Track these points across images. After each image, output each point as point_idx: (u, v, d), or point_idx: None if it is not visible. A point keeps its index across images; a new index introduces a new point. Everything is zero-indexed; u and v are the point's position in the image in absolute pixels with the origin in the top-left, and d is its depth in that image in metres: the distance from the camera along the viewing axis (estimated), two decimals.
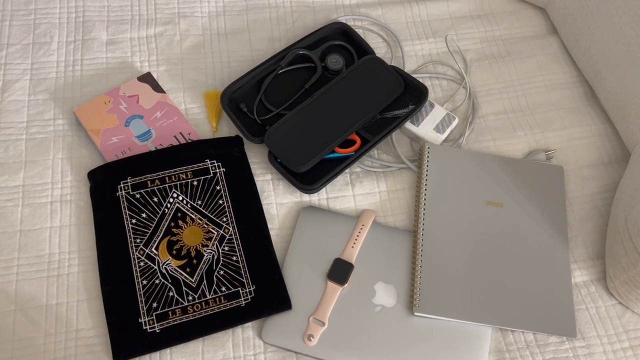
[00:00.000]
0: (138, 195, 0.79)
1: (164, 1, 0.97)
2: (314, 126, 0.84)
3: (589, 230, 0.82)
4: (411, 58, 0.96)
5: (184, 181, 0.80)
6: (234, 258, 0.77)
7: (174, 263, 0.75)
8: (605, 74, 0.89)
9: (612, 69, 0.88)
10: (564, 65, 0.97)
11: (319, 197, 0.83)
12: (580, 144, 0.89)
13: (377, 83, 0.88)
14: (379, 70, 0.89)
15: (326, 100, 0.86)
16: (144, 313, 0.72)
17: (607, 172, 0.87)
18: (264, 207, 0.81)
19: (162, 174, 0.80)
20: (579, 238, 0.82)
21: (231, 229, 0.78)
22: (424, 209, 0.80)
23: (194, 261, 0.76)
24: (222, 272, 0.75)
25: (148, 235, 0.77)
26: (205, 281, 0.75)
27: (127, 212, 0.78)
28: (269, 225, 0.80)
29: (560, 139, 0.89)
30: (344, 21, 0.96)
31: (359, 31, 0.97)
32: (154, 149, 0.83)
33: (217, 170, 0.82)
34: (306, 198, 0.83)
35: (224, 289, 0.74)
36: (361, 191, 0.84)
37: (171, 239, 0.77)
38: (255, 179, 0.83)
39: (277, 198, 0.83)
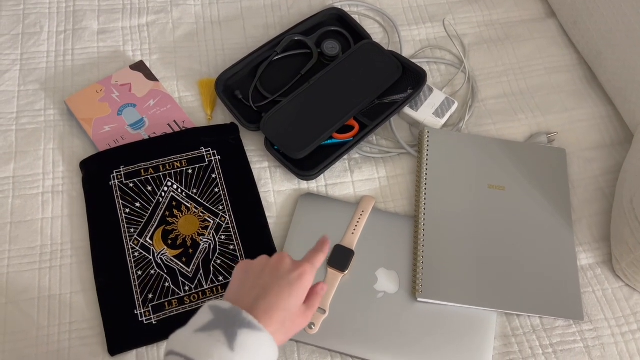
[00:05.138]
0: (132, 184, 0.77)
1: None
2: (311, 112, 0.82)
3: (593, 212, 0.81)
4: (408, 43, 0.95)
5: (178, 169, 0.79)
6: (231, 247, 0.75)
7: (169, 253, 0.73)
8: (606, 54, 0.87)
9: (612, 50, 0.86)
10: (563, 48, 0.95)
11: (318, 184, 0.81)
12: (582, 126, 0.88)
13: (375, 68, 0.86)
14: (376, 54, 0.87)
15: (323, 86, 0.84)
16: (139, 304, 0.70)
17: (610, 154, 0.85)
18: (262, 195, 0.79)
19: (156, 163, 0.78)
20: (584, 220, 0.80)
21: (228, 217, 0.76)
22: (425, 194, 0.79)
23: (190, 250, 0.74)
24: (219, 262, 0.73)
25: (142, 224, 0.75)
26: (201, 271, 0.73)
27: (121, 201, 0.76)
28: (267, 214, 0.78)
29: (562, 121, 0.88)
30: (339, 7, 0.94)
31: (355, 17, 0.95)
32: (148, 138, 0.81)
33: (213, 158, 0.80)
34: (304, 185, 0.81)
35: (221, 278, 0.73)
36: (360, 177, 0.82)
37: (166, 228, 0.75)
38: (252, 166, 0.81)
39: (275, 186, 0.81)
